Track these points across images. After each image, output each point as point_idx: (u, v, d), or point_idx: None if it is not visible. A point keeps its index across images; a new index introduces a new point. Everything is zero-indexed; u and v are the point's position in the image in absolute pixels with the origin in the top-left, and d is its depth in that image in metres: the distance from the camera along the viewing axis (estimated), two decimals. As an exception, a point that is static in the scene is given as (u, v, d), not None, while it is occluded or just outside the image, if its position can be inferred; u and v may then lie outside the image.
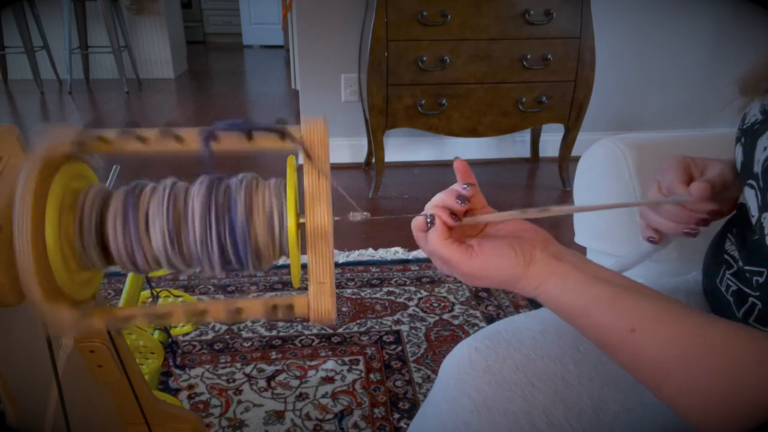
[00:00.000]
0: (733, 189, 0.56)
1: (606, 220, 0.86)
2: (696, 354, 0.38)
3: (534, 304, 1.50)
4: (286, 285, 1.57)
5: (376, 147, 2.17)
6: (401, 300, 1.52)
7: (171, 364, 1.14)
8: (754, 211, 0.50)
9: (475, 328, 1.41)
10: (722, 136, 0.77)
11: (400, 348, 1.33)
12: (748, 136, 0.52)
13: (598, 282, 0.42)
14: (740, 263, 0.53)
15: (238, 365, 1.26)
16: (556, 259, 0.44)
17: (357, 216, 0.42)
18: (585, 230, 0.90)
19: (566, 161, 2.32)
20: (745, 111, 0.55)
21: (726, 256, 0.56)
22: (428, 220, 0.46)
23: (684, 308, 0.41)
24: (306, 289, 0.36)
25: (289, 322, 1.40)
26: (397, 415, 1.13)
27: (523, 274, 0.44)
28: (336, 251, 1.75)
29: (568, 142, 2.28)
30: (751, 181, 0.51)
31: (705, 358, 0.38)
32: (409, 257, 1.74)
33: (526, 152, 2.71)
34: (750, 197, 0.50)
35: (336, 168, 2.54)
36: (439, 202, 0.47)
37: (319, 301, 0.36)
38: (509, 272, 0.44)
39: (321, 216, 0.35)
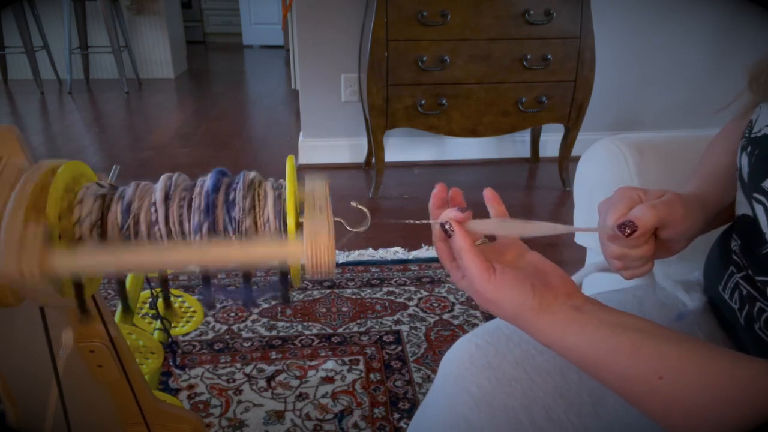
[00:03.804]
0: (678, 231, 0.51)
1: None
2: (728, 395, 0.37)
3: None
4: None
5: (376, 147, 2.17)
6: (401, 300, 1.52)
7: (171, 364, 1.14)
8: (764, 227, 0.48)
9: (475, 328, 1.41)
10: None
11: (400, 348, 1.33)
12: (757, 146, 0.51)
13: (619, 329, 0.41)
14: (749, 271, 0.52)
15: (238, 365, 1.26)
16: (576, 310, 0.43)
17: (360, 223, 0.42)
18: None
19: (566, 161, 2.32)
20: (752, 118, 0.54)
21: (735, 257, 0.55)
22: (447, 227, 0.45)
23: (711, 348, 0.40)
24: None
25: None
26: (397, 415, 1.13)
27: (532, 320, 0.43)
28: (336, 251, 1.75)
29: (568, 142, 2.28)
30: (759, 196, 0.49)
31: (738, 397, 0.37)
32: (409, 257, 1.74)
33: (526, 152, 2.71)
34: (760, 212, 0.49)
35: (336, 168, 2.54)
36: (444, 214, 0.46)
37: (316, 248, 0.34)
38: (518, 310, 0.43)
39: (321, 216, 0.35)
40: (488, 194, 0.48)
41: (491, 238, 0.49)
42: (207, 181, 0.37)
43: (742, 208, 0.55)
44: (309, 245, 0.34)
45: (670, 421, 0.39)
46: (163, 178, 0.36)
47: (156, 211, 0.35)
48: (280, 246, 0.35)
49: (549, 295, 0.43)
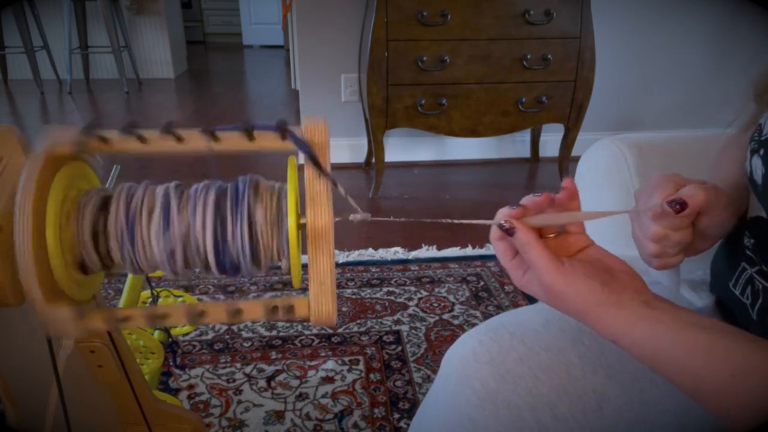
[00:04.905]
0: (717, 220, 0.51)
1: (607, 220, 0.86)
2: None
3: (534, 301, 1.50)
4: (287, 285, 1.57)
5: (376, 147, 2.17)
6: (401, 300, 1.52)
7: (171, 364, 1.14)
8: None
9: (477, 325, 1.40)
10: (722, 136, 0.77)
11: (400, 348, 1.33)
12: None
13: (691, 327, 0.41)
14: (763, 266, 0.52)
15: (238, 365, 1.26)
16: (646, 305, 0.42)
17: (358, 217, 0.42)
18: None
19: (566, 161, 2.32)
20: (761, 121, 0.54)
21: (748, 253, 0.54)
22: (506, 227, 0.44)
23: None
24: (306, 289, 0.36)
25: (289, 322, 1.40)
26: (397, 415, 1.13)
27: (601, 314, 0.42)
28: (336, 251, 1.75)
29: (568, 142, 2.28)
30: None
31: None
32: (409, 257, 1.74)
33: (526, 152, 2.71)
34: None
35: (336, 168, 2.54)
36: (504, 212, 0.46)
37: (319, 302, 0.35)
38: (586, 306, 0.42)
39: (322, 217, 0.35)
40: (568, 184, 0.47)
41: (557, 232, 0.49)
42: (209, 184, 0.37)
43: (754, 210, 0.54)
44: (315, 310, 0.35)
45: (738, 419, 0.39)
46: (156, 215, 0.36)
47: (155, 254, 0.36)
48: (287, 301, 0.36)
49: (618, 289, 0.42)
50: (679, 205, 0.48)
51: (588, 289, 0.42)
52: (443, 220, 0.48)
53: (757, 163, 0.52)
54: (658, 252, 0.52)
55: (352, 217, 0.41)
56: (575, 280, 0.42)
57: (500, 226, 0.45)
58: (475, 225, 0.47)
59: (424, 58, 2.01)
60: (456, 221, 0.47)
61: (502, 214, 0.45)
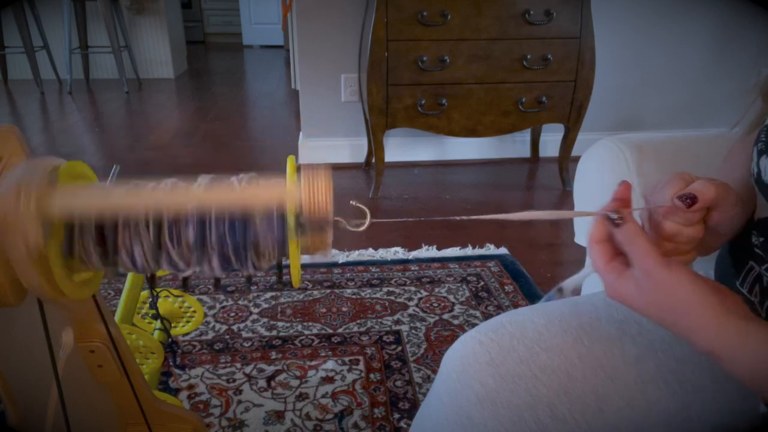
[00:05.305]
0: (727, 216, 0.51)
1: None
2: None
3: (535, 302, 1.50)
4: (286, 285, 1.57)
5: (376, 147, 2.17)
6: (401, 300, 1.52)
7: (171, 364, 1.14)
8: None
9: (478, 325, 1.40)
10: (724, 136, 0.77)
11: (400, 348, 1.33)
12: None
13: None
14: None
15: (238, 365, 1.26)
16: (749, 317, 0.41)
17: (359, 221, 0.42)
18: (585, 231, 0.90)
19: (566, 161, 2.32)
20: (767, 122, 0.54)
21: (757, 251, 0.54)
22: (615, 217, 0.44)
23: None
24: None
25: (286, 322, 1.40)
26: (397, 415, 1.13)
27: (702, 315, 0.41)
28: (336, 251, 1.75)
29: (568, 142, 2.28)
30: None
31: None
32: (409, 257, 1.74)
33: (526, 152, 2.71)
34: None
35: (336, 168, 2.54)
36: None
37: (314, 189, 0.35)
38: (690, 304, 0.41)
39: (322, 216, 0.35)
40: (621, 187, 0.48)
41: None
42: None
43: (762, 212, 0.54)
44: (306, 187, 0.35)
45: None
46: (155, 212, 0.37)
47: (155, 252, 0.36)
48: (278, 185, 0.35)
49: (728, 300, 0.42)
50: (690, 200, 0.48)
51: (695, 288, 0.41)
52: (509, 216, 0.45)
53: (765, 164, 0.52)
54: (670, 249, 0.52)
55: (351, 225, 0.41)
56: (684, 276, 0.42)
57: (609, 218, 0.44)
58: (475, 224, 0.47)
59: (424, 58, 2.01)
60: (537, 214, 0.45)
61: (609, 207, 0.45)
